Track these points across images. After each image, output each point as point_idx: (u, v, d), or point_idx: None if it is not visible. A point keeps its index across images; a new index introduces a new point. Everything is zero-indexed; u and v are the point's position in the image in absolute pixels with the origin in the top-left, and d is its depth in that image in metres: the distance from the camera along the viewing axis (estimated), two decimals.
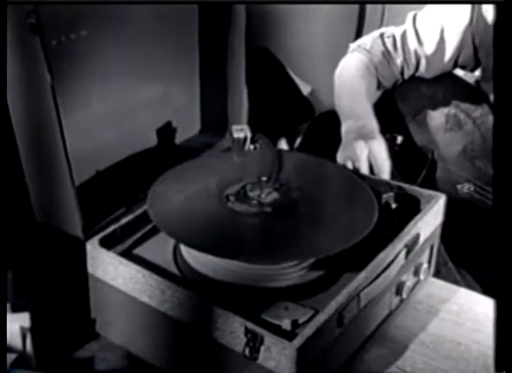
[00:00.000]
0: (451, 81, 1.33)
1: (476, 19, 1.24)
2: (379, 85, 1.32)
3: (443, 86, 1.31)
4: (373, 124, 1.17)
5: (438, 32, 1.28)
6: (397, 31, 1.32)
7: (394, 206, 1.01)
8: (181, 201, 0.93)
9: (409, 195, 1.02)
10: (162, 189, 0.95)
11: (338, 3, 1.28)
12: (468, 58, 1.29)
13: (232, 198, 0.93)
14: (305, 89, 1.64)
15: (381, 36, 1.32)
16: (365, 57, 1.31)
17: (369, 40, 1.34)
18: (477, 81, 1.35)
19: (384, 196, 1.00)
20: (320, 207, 0.94)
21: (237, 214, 0.91)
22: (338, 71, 1.34)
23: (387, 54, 1.31)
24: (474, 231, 1.24)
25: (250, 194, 0.94)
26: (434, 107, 1.29)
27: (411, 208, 1.01)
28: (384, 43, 1.31)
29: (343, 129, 1.21)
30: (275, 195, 0.94)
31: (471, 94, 1.31)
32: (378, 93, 1.32)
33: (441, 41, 1.28)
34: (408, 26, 1.31)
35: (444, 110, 1.29)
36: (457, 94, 1.30)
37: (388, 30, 1.33)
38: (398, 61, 1.31)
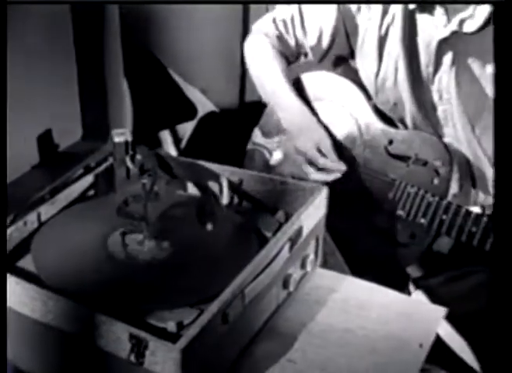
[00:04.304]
0: None
1: (343, 6, 1.31)
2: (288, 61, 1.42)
3: None
4: (306, 116, 1.32)
5: (318, 18, 1.35)
6: (286, 14, 1.39)
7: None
8: (64, 250, 0.93)
9: None
10: (44, 239, 0.95)
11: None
12: (343, 44, 1.36)
13: (113, 245, 0.94)
14: (188, 90, 1.64)
15: (274, 20, 1.40)
16: (265, 40, 1.40)
17: (264, 23, 1.42)
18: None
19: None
20: (200, 248, 0.95)
21: (119, 261, 0.92)
22: (248, 59, 1.43)
23: (281, 36, 1.40)
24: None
25: (130, 241, 0.94)
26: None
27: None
28: (277, 27, 1.40)
29: (282, 121, 1.35)
30: (152, 243, 0.94)
31: None
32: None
33: (320, 28, 1.35)
34: (294, 10, 1.38)
35: None
36: None
37: (279, 14, 1.40)
38: (292, 41, 1.39)
